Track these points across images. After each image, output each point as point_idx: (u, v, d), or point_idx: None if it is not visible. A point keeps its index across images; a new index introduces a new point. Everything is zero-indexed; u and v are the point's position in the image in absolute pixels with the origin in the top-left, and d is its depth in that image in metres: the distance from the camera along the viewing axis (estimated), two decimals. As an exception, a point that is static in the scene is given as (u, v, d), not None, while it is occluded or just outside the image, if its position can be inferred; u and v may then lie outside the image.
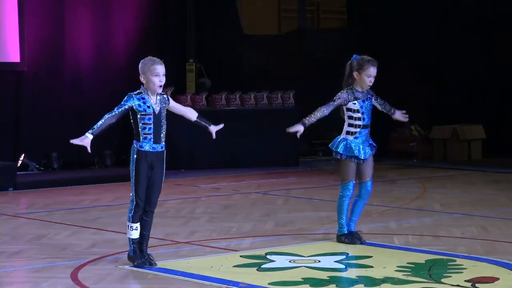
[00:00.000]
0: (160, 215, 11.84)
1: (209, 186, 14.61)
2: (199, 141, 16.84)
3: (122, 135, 16.53)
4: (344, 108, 9.47)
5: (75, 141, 8.39)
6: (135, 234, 8.32)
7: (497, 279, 7.98)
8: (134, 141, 8.43)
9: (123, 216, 11.68)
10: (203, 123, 8.97)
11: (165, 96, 8.65)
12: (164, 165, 8.58)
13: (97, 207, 12.64)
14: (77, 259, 8.90)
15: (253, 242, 9.75)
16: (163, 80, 8.50)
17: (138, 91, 8.49)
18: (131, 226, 8.34)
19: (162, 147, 8.49)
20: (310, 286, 7.74)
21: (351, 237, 9.39)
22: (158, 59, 8.51)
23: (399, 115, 9.70)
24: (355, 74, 9.39)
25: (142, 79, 8.44)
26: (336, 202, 9.38)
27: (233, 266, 8.46)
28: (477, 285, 7.76)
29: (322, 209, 12.15)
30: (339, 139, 9.46)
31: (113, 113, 8.53)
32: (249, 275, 8.12)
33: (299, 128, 9.56)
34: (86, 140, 8.39)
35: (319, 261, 8.73)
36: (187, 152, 16.75)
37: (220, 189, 14.22)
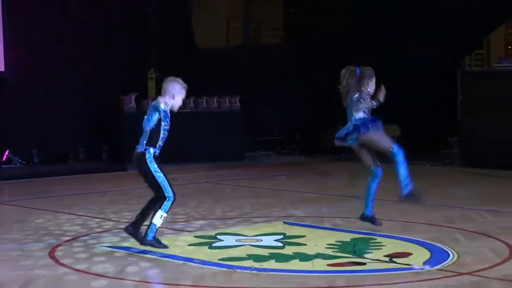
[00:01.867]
0: (125, 202, 11.82)
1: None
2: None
3: (93, 134, 16.50)
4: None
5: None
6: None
7: (411, 254, 8.07)
8: (151, 148, 8.17)
9: (94, 203, 11.67)
10: None
11: None
12: None
13: (71, 195, 12.57)
14: (54, 239, 8.86)
15: (205, 224, 9.76)
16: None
17: (163, 103, 8.22)
18: (165, 217, 8.16)
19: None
20: (253, 261, 7.76)
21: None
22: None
23: None
24: (366, 82, 9.48)
25: (169, 98, 8.24)
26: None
27: (188, 245, 8.47)
28: (393, 259, 7.83)
29: (263, 197, 12.18)
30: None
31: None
32: (202, 253, 8.13)
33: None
34: None
35: (261, 240, 8.76)
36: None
37: (177, 180, 14.15)
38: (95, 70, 16.71)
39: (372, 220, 9.28)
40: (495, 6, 17.48)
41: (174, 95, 8.29)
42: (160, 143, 8.22)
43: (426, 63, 17.82)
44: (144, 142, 8.22)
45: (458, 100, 17.09)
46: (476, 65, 20.42)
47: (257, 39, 20.93)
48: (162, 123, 8.17)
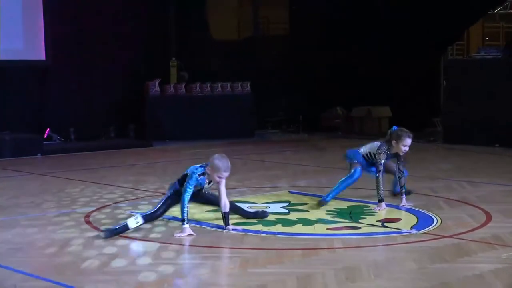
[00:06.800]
0: (152, 173, 11.83)
1: (187, 152, 14.59)
2: (180, 119, 16.80)
3: (122, 115, 16.49)
4: (373, 154, 8.74)
5: (180, 235, 7.23)
6: None
7: (400, 219, 8.06)
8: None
9: (123, 175, 11.69)
10: (224, 218, 7.55)
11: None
12: None
13: (104, 168, 12.59)
14: (88, 206, 8.87)
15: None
16: (223, 178, 7.42)
17: (202, 171, 7.41)
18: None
19: None
20: (262, 225, 7.76)
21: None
22: (227, 162, 7.42)
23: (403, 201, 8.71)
24: (393, 142, 8.57)
25: (208, 170, 7.35)
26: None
27: (205, 211, 8.44)
28: (385, 224, 7.82)
29: (271, 170, 12.17)
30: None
31: (189, 195, 7.31)
32: (218, 218, 8.11)
33: (383, 206, 8.55)
34: (187, 230, 7.28)
35: (269, 207, 8.74)
36: (171, 127, 16.71)
37: (195, 154, 14.19)
38: (125, 59, 16.72)
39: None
40: (474, 2, 17.40)
41: (213, 170, 7.44)
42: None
43: (415, 53, 17.76)
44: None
45: (441, 85, 17.03)
46: (457, 54, 20.39)
47: (265, 32, 20.87)
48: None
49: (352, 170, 8.95)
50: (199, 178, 7.44)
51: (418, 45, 17.71)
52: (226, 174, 7.44)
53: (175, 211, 7.72)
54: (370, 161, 8.91)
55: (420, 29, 17.57)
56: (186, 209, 7.31)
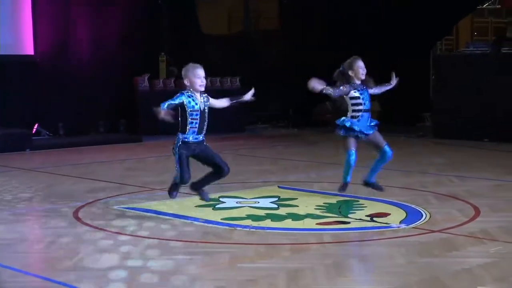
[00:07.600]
0: (142, 168, 11.81)
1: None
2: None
3: (111, 110, 16.44)
4: (348, 97, 8.77)
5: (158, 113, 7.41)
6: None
7: (389, 214, 8.05)
8: (180, 134, 7.72)
9: (112, 170, 11.67)
10: (237, 100, 8.13)
11: (207, 96, 7.91)
12: (206, 144, 7.98)
13: (93, 163, 12.55)
14: (78, 202, 8.84)
15: (210, 188, 9.71)
16: (204, 81, 7.69)
17: (187, 90, 7.70)
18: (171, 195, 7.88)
19: (203, 137, 7.91)
20: (252, 220, 7.75)
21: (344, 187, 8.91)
22: (198, 64, 7.67)
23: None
24: (350, 72, 8.69)
25: (186, 82, 7.65)
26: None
27: (195, 206, 8.45)
28: (374, 218, 7.82)
29: (262, 164, 12.16)
30: (345, 119, 8.90)
31: (168, 103, 7.59)
32: (207, 213, 8.11)
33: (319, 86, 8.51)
34: (163, 111, 7.51)
35: (259, 202, 8.74)
36: (161, 122, 16.60)
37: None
38: (114, 53, 16.67)
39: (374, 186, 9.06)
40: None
41: (187, 76, 7.78)
42: (190, 127, 7.81)
43: (403, 48, 17.75)
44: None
45: (430, 79, 17.03)
46: (446, 49, 20.41)
47: (256, 26, 20.84)
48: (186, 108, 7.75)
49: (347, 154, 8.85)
50: (187, 98, 7.68)
51: (407, 40, 17.68)
52: (201, 72, 7.66)
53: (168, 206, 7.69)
54: (363, 123, 8.87)
55: (420, 29, 17.50)
56: (165, 104, 7.46)
